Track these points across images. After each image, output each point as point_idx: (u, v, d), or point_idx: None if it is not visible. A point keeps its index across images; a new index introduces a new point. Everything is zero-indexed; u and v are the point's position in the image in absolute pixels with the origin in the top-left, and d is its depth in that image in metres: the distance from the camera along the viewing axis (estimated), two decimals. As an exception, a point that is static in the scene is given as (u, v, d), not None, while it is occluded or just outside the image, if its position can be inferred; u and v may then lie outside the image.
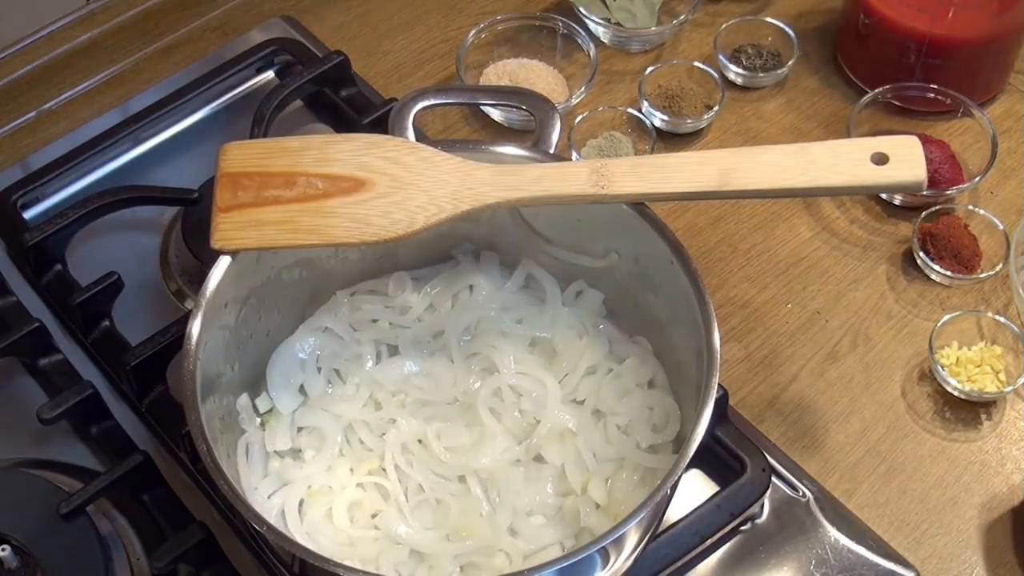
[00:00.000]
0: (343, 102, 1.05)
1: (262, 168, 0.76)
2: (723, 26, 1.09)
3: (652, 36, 1.11)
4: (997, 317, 0.91)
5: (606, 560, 0.70)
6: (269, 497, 0.77)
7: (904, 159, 0.73)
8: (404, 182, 0.75)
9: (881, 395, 0.90)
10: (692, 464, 0.69)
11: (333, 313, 0.84)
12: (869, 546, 0.81)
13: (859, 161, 0.73)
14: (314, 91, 1.06)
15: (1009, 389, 0.88)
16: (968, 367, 0.89)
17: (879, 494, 0.86)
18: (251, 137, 0.98)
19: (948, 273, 0.95)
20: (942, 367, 0.89)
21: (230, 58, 1.09)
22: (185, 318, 0.76)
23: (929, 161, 0.97)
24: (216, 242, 0.74)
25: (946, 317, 0.90)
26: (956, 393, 0.88)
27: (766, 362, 0.92)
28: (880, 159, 0.73)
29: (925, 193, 0.97)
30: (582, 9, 1.10)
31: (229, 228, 0.75)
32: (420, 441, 0.79)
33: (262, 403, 0.81)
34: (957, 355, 0.90)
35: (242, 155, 0.77)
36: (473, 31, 1.08)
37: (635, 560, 0.74)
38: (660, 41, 1.12)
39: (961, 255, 0.95)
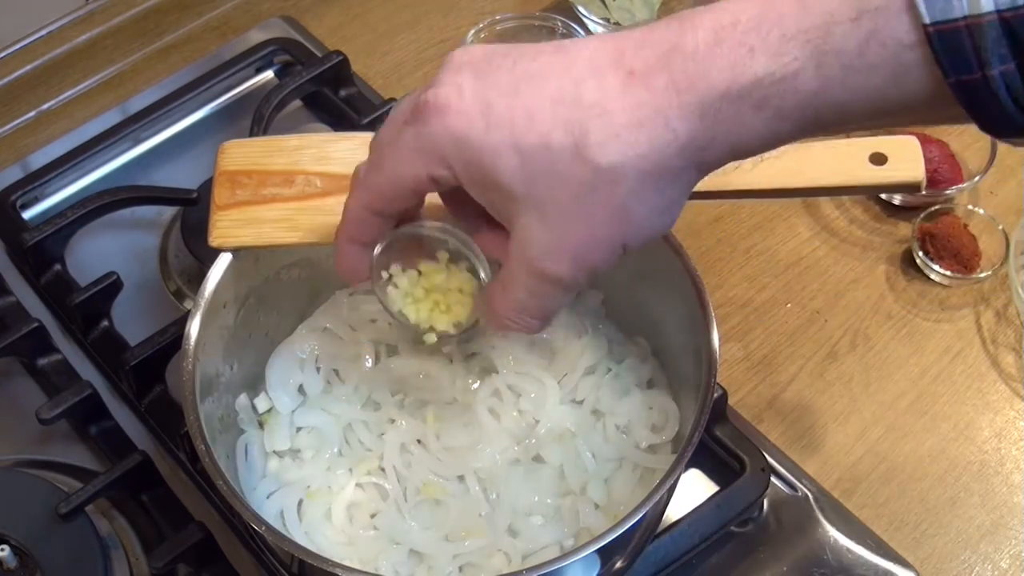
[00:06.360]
0: (342, 102, 1.05)
1: (261, 166, 0.76)
2: (722, 26, 1.09)
3: (651, 36, 1.10)
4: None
5: (605, 560, 0.70)
6: (268, 497, 0.77)
7: (903, 159, 0.73)
8: None
9: (880, 395, 0.90)
10: (691, 464, 0.69)
11: (332, 313, 0.84)
12: (868, 546, 0.81)
13: (857, 161, 0.73)
14: (313, 91, 1.06)
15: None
16: None
17: (878, 494, 0.86)
18: (251, 137, 0.98)
19: (948, 273, 0.95)
20: None
21: (229, 58, 1.09)
22: (184, 318, 0.75)
23: (928, 161, 0.97)
24: (214, 240, 0.75)
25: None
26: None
27: (765, 362, 0.92)
28: (879, 159, 0.73)
29: (924, 193, 0.97)
30: (581, 9, 1.10)
31: (227, 226, 0.75)
32: (419, 441, 0.79)
33: (261, 403, 0.81)
34: None
35: (241, 153, 0.78)
36: (472, 31, 1.08)
37: (634, 560, 0.74)
38: (659, 41, 1.12)
39: (961, 255, 0.95)
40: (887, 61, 0.49)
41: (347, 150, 0.77)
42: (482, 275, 0.65)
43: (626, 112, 0.53)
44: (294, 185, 0.76)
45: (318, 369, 0.82)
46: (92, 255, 0.98)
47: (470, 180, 0.56)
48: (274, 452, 0.79)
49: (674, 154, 0.53)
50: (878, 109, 0.51)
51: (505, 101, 0.54)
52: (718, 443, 0.83)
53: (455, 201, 0.63)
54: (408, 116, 0.57)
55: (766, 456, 0.83)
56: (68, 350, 0.92)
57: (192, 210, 0.97)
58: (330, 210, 0.75)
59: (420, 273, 0.68)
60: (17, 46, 1.07)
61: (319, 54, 1.09)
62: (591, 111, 0.53)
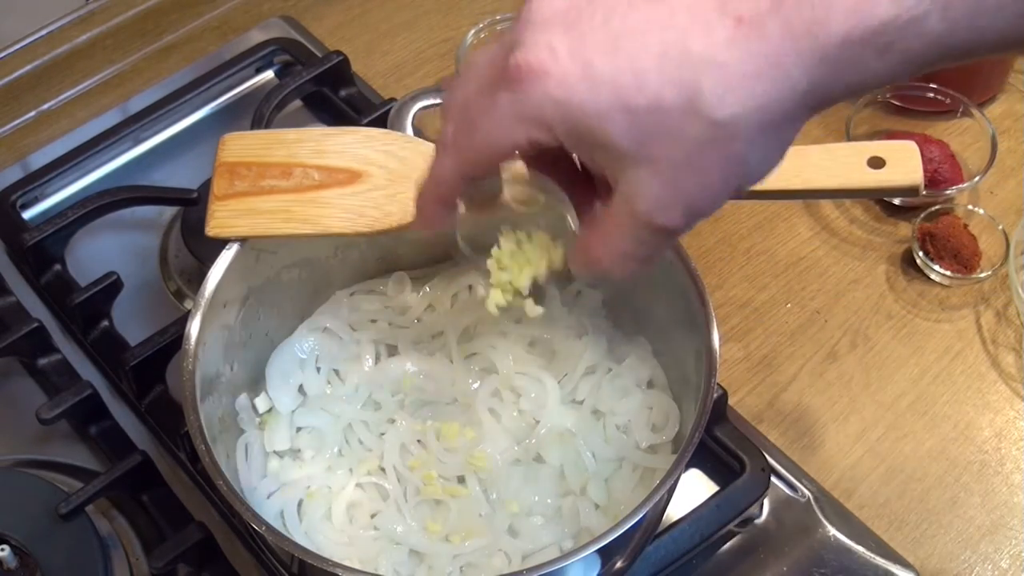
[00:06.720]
0: (342, 102, 1.05)
1: (260, 158, 0.77)
2: (722, 26, 1.09)
3: (651, 36, 1.10)
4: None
5: (605, 560, 0.70)
6: (268, 497, 0.77)
7: (901, 163, 0.73)
8: (400, 175, 0.75)
9: (880, 395, 0.90)
10: (691, 464, 0.69)
11: (332, 313, 0.84)
12: (868, 546, 0.81)
13: (855, 165, 0.73)
14: (313, 91, 1.06)
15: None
16: None
17: (878, 494, 0.86)
18: (250, 137, 0.98)
19: (948, 273, 0.95)
20: None
21: (229, 58, 1.09)
22: (184, 318, 0.75)
23: (929, 161, 0.98)
24: (211, 229, 0.75)
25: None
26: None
27: (765, 362, 0.92)
28: (877, 163, 0.73)
29: (925, 193, 0.97)
30: (581, 9, 1.10)
31: (224, 216, 0.75)
32: (419, 441, 0.79)
33: (261, 403, 0.81)
34: None
35: (240, 145, 0.78)
36: (472, 31, 1.08)
37: (634, 560, 0.74)
38: (660, 41, 1.12)
39: (961, 255, 0.95)
40: None
41: (345, 144, 0.77)
42: (571, 223, 0.65)
43: (740, 63, 0.50)
44: (292, 177, 0.76)
45: (318, 369, 0.82)
46: (92, 255, 0.98)
47: (574, 142, 0.55)
48: (274, 452, 0.79)
49: (794, 103, 0.51)
50: (1001, 46, 0.50)
51: (606, 60, 0.51)
52: (718, 443, 0.83)
53: (537, 161, 0.62)
54: (498, 80, 0.54)
55: (766, 456, 0.83)
56: (68, 350, 0.92)
57: (192, 210, 0.97)
58: (326, 202, 0.75)
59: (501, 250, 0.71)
60: (17, 46, 1.07)
61: (319, 54, 1.09)
62: (702, 64, 0.50)
